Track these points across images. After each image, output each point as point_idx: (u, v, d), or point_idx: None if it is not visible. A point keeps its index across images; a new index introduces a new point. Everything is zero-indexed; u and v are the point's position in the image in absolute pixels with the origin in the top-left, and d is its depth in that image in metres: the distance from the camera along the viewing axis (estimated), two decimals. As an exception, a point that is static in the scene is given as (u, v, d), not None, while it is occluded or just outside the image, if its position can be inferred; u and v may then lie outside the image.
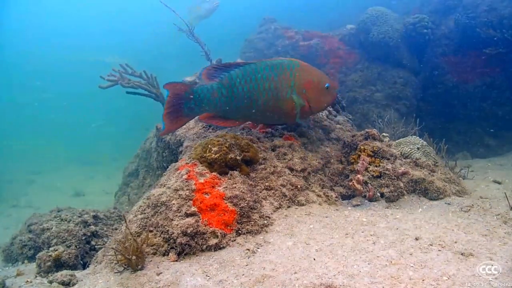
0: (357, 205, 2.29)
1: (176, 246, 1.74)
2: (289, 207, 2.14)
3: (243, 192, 1.94)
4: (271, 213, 2.01)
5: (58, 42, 22.90)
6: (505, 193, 2.09)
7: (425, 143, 2.68)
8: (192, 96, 2.42)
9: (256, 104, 2.44)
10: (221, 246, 1.74)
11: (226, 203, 1.86)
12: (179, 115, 2.45)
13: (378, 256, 1.45)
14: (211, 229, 1.76)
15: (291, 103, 2.45)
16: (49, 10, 22.35)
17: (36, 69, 23.31)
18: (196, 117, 2.80)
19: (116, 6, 22.64)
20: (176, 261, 1.70)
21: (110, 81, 3.40)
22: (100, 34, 22.58)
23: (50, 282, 1.80)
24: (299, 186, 2.25)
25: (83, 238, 2.58)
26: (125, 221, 1.80)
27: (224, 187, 1.95)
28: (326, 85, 2.49)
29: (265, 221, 1.90)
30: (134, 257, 1.65)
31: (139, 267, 1.66)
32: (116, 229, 2.72)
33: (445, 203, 2.23)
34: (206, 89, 2.43)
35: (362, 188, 2.37)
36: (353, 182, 2.40)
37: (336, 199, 2.35)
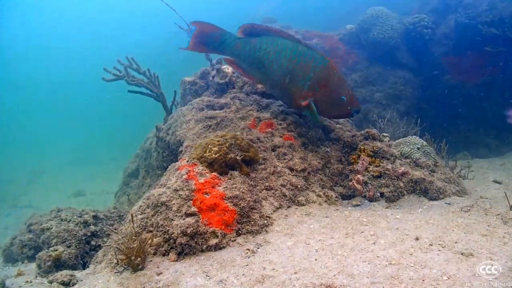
0: (357, 205, 2.29)
1: (176, 246, 1.74)
2: (289, 207, 2.13)
3: (243, 192, 1.94)
4: (271, 213, 2.01)
5: (58, 43, 22.90)
6: (505, 192, 2.09)
7: (425, 143, 2.68)
8: (219, 38, 2.68)
9: (269, 75, 2.59)
10: (221, 246, 1.74)
11: (226, 203, 1.86)
12: (202, 45, 2.75)
13: (378, 256, 1.45)
14: (211, 229, 1.76)
15: (298, 91, 2.50)
16: (50, 10, 22.34)
17: (37, 69, 23.33)
18: (198, 117, 2.80)
19: (115, 6, 22.62)
20: (176, 261, 1.70)
21: (115, 75, 3.39)
22: (98, 35, 22.57)
23: (50, 282, 1.80)
24: (299, 186, 2.25)
25: (83, 238, 2.57)
26: (132, 222, 1.80)
27: (224, 187, 1.95)
28: (341, 97, 2.45)
29: (265, 221, 1.90)
30: (139, 259, 1.65)
31: (140, 267, 1.66)
32: (116, 229, 2.71)
33: (445, 203, 2.23)
34: (233, 38, 2.66)
35: (362, 188, 2.37)
36: (353, 182, 2.40)
37: (336, 199, 2.35)
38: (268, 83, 2.70)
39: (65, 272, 1.87)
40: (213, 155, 2.09)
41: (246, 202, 1.90)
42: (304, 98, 2.49)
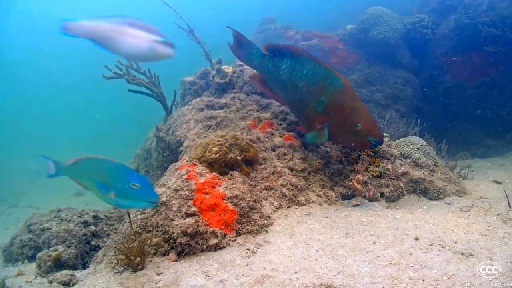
0: (357, 205, 2.29)
1: (176, 246, 1.74)
2: (289, 207, 2.13)
3: (243, 192, 1.94)
4: (271, 213, 2.01)
5: (59, 41, 22.90)
6: (505, 192, 2.09)
7: (425, 143, 2.68)
8: (249, 50, 2.74)
9: (286, 94, 2.56)
10: (221, 246, 1.74)
11: (226, 203, 1.86)
12: (240, 52, 2.81)
13: (378, 256, 1.45)
14: (211, 229, 1.76)
15: (312, 114, 2.37)
16: (49, 10, 22.35)
17: (38, 67, 23.35)
18: (198, 117, 2.80)
19: (115, 7, 22.64)
20: (176, 261, 1.70)
21: (115, 73, 3.40)
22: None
23: (50, 282, 1.81)
24: (299, 186, 2.25)
25: (83, 238, 2.57)
26: (130, 221, 1.80)
27: (224, 187, 1.95)
28: (356, 124, 2.21)
29: (265, 221, 1.90)
30: (138, 259, 1.65)
31: (140, 267, 1.66)
32: (116, 229, 2.72)
33: (445, 203, 2.23)
34: (259, 53, 2.69)
35: (362, 188, 2.37)
36: (353, 182, 2.40)
37: (336, 199, 2.35)
38: (287, 103, 2.68)
39: (65, 272, 1.87)
40: (213, 155, 2.09)
41: (246, 202, 1.90)
42: (320, 122, 2.34)
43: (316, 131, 2.35)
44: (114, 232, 1.92)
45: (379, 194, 2.36)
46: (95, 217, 2.81)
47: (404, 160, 2.53)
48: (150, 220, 1.87)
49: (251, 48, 2.74)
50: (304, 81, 2.39)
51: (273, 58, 2.60)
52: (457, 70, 4.96)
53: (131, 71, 3.47)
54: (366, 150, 2.50)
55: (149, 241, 1.75)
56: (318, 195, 2.30)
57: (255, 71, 2.85)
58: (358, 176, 2.41)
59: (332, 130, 2.31)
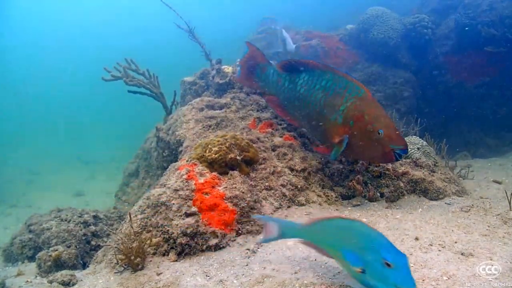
0: (357, 205, 2.29)
1: (176, 246, 1.74)
2: (289, 207, 2.14)
3: (243, 192, 1.94)
4: (271, 213, 2.02)
5: (58, 42, 22.93)
6: (505, 192, 2.09)
7: (425, 143, 2.68)
8: (265, 71, 2.59)
9: (304, 110, 2.42)
10: (221, 246, 1.74)
11: (226, 203, 1.86)
12: (251, 75, 2.67)
13: (378, 256, 1.45)
14: (211, 229, 1.76)
15: (332, 126, 2.24)
16: (50, 10, 22.35)
17: (37, 66, 23.35)
18: (197, 117, 2.80)
19: (115, 8, 22.63)
20: (176, 261, 1.70)
21: (113, 76, 3.40)
22: (99, 36, 22.60)
23: (50, 282, 1.81)
24: (299, 186, 2.25)
25: (83, 238, 2.57)
26: (131, 221, 1.80)
27: (224, 187, 1.95)
28: (378, 131, 2.06)
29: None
30: (139, 259, 1.65)
31: (140, 267, 1.66)
32: (116, 229, 2.72)
33: (445, 203, 2.23)
34: (276, 72, 2.56)
35: (362, 188, 2.37)
36: (353, 182, 2.40)
37: (336, 199, 2.35)
38: (301, 119, 2.52)
39: (65, 272, 1.87)
40: (213, 155, 2.09)
41: (246, 202, 1.90)
42: (339, 134, 2.21)
43: (337, 145, 2.22)
44: (114, 233, 1.92)
45: (379, 194, 2.36)
46: (95, 217, 2.81)
47: (404, 160, 2.53)
48: (150, 220, 1.87)
49: (269, 67, 2.57)
50: (323, 93, 2.29)
51: (290, 75, 2.48)
52: (457, 70, 4.96)
53: (129, 72, 3.47)
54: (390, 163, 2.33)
55: (149, 241, 1.75)
56: (318, 195, 2.30)
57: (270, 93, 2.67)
58: (358, 176, 2.41)
59: (352, 141, 2.16)
